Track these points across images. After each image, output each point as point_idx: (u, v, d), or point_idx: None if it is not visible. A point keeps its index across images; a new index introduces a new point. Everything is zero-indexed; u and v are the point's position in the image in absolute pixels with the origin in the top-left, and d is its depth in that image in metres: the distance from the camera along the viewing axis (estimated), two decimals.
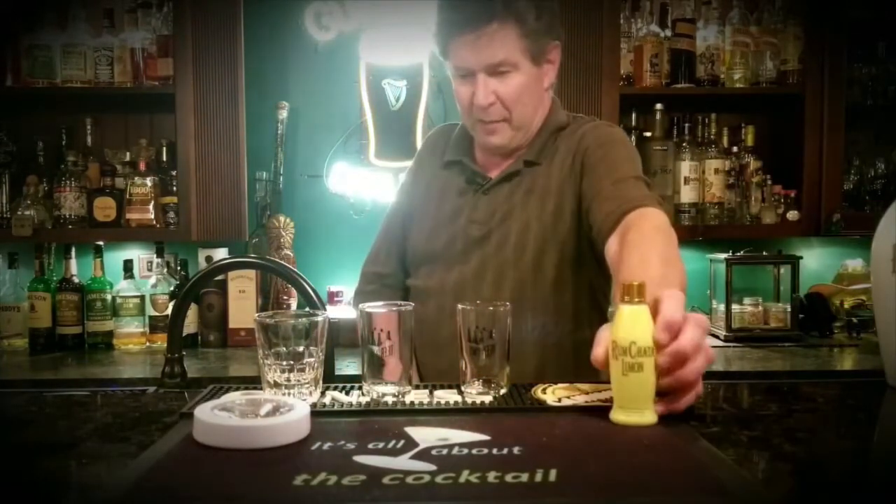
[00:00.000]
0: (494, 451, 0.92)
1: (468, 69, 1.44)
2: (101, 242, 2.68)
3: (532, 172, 1.53)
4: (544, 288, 1.50)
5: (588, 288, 1.53)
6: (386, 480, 0.82)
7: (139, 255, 2.81)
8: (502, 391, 1.17)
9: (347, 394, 1.20)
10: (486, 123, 1.48)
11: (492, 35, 1.40)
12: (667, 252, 1.17)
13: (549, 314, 1.51)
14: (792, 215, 2.66)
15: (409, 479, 0.82)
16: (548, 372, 1.47)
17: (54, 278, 2.65)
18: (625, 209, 1.30)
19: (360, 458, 0.89)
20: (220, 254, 2.72)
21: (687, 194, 2.66)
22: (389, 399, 1.14)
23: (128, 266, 2.67)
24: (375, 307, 1.15)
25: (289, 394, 1.10)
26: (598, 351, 1.02)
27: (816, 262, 2.95)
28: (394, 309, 1.15)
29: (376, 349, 1.14)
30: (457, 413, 1.11)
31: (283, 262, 1.93)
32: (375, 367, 1.15)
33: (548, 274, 1.49)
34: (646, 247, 1.18)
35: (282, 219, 2.81)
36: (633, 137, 2.75)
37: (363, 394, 1.18)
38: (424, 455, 0.90)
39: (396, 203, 1.72)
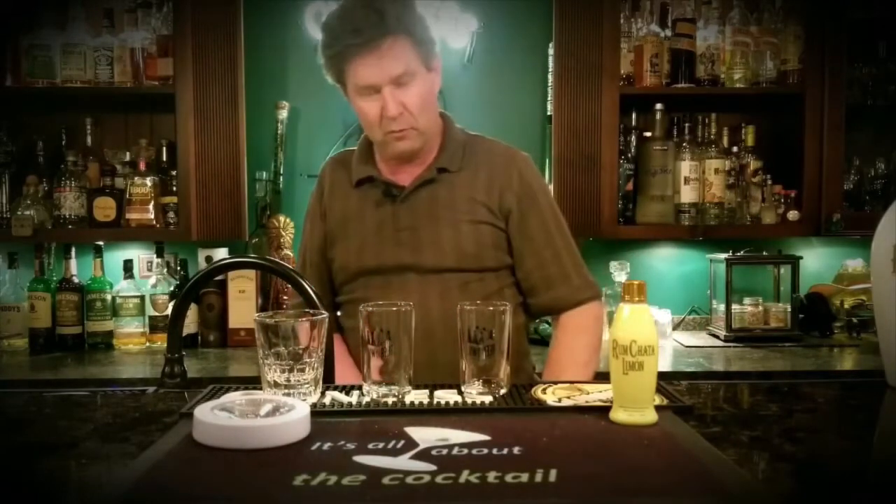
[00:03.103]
0: (494, 451, 0.92)
1: (373, 85, 1.50)
2: (101, 242, 2.68)
3: (449, 179, 1.61)
4: (486, 283, 1.59)
5: (513, 285, 1.66)
6: (386, 480, 0.82)
7: (139, 255, 2.81)
8: (502, 391, 1.17)
9: (347, 394, 1.20)
10: (396, 132, 1.54)
11: (390, 49, 1.48)
12: (583, 357, 1.63)
13: (494, 300, 1.59)
14: (792, 215, 2.66)
15: (409, 479, 0.82)
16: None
17: (54, 278, 2.65)
18: (562, 306, 1.64)
19: (360, 458, 0.89)
20: (220, 254, 2.72)
21: (687, 194, 2.65)
22: (389, 399, 1.14)
23: (128, 266, 2.67)
24: (375, 307, 1.16)
25: (289, 394, 1.10)
26: None
27: (816, 262, 2.95)
28: (393, 309, 1.15)
29: (375, 349, 1.14)
30: (457, 413, 1.11)
31: (283, 262, 1.93)
32: (375, 367, 1.15)
33: (486, 266, 1.60)
34: (569, 358, 1.63)
35: (282, 219, 2.81)
36: (634, 137, 2.75)
37: (363, 394, 1.18)
38: (424, 455, 0.90)
39: (311, 232, 1.74)
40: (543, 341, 2.44)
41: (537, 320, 2.44)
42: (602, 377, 1.52)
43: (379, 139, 1.58)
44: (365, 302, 1.17)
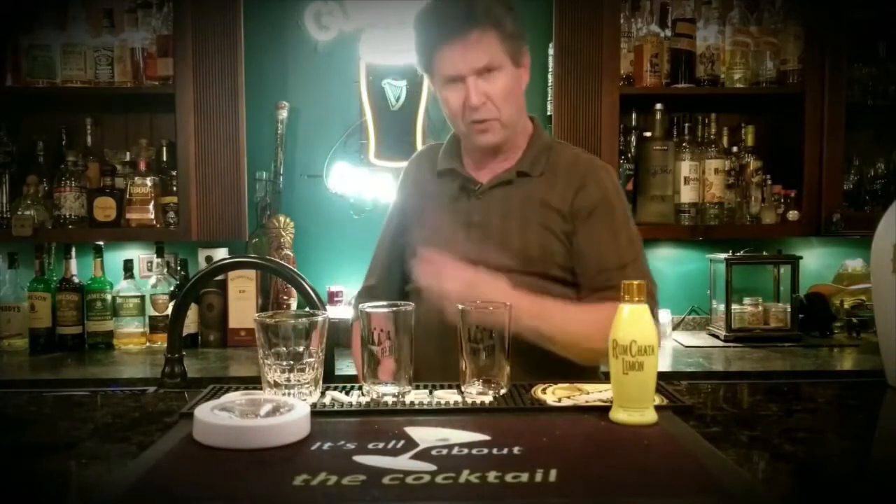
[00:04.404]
0: (494, 451, 0.92)
1: (458, 75, 1.52)
2: (101, 242, 2.68)
3: (527, 182, 1.61)
4: (549, 291, 1.55)
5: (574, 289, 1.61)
6: (386, 480, 0.82)
7: (139, 255, 2.81)
8: (502, 391, 1.17)
9: (347, 394, 1.20)
10: (479, 123, 1.55)
11: (477, 40, 1.50)
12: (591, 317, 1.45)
13: None
14: (792, 215, 2.66)
15: (409, 479, 0.82)
16: (548, 364, 1.48)
17: (54, 278, 2.65)
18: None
19: (360, 458, 0.89)
20: (220, 254, 2.71)
21: (687, 194, 2.65)
22: (389, 399, 1.14)
23: (128, 266, 2.67)
24: (375, 307, 1.16)
25: (289, 394, 1.10)
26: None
27: (816, 262, 2.95)
28: (393, 309, 1.15)
29: (376, 349, 1.14)
30: (457, 413, 1.11)
31: (283, 262, 1.93)
32: (375, 367, 1.15)
33: (550, 273, 1.56)
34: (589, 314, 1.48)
35: (282, 219, 2.81)
36: (634, 137, 2.75)
37: (363, 394, 1.18)
38: (424, 455, 0.90)
39: (388, 220, 1.79)
40: None
41: None
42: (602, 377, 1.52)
43: (462, 130, 1.60)
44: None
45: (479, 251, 1.56)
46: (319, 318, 1.12)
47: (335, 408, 1.13)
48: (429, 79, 1.63)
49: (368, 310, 1.15)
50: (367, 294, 1.72)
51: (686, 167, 2.65)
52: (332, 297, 2.80)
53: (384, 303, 1.18)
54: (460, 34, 1.49)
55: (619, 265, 1.53)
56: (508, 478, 0.82)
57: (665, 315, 2.74)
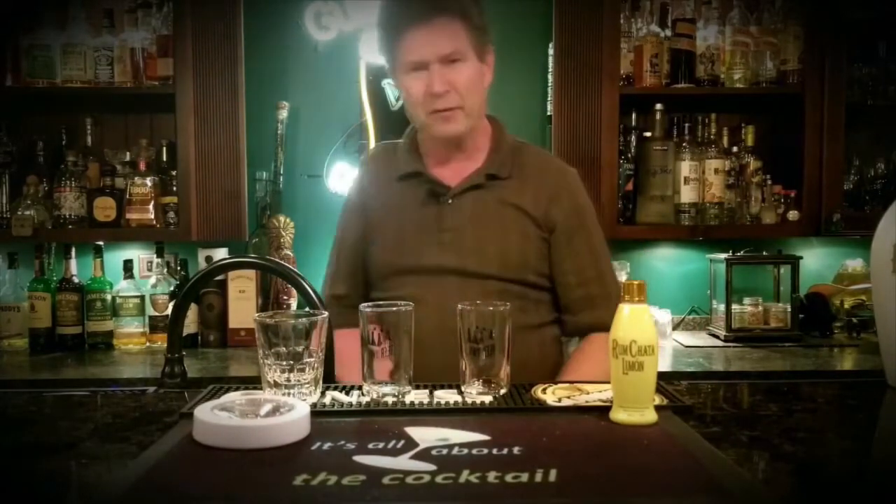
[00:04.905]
0: (494, 451, 0.92)
1: (422, 61, 1.49)
2: (101, 242, 2.68)
3: (497, 186, 1.59)
4: (525, 295, 1.57)
5: (550, 302, 1.64)
6: (386, 480, 0.82)
7: (139, 255, 2.81)
8: (502, 391, 1.17)
9: (347, 394, 1.20)
10: (442, 112, 1.51)
11: (443, 26, 1.48)
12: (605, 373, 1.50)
13: (530, 313, 1.58)
14: (792, 215, 2.66)
15: (409, 479, 0.82)
16: (529, 365, 1.50)
17: (54, 278, 2.65)
18: (603, 326, 1.48)
19: (360, 458, 0.89)
20: (220, 254, 2.71)
21: (687, 194, 2.65)
22: (389, 399, 1.14)
23: (128, 266, 2.67)
24: (374, 307, 1.16)
25: (289, 394, 1.10)
26: None
27: (816, 262, 2.95)
28: (393, 309, 1.15)
29: (376, 349, 1.14)
30: (457, 413, 1.11)
31: (283, 262, 1.93)
32: (375, 367, 1.15)
33: (528, 279, 1.58)
34: (592, 368, 1.51)
35: (282, 219, 2.81)
36: (634, 137, 2.75)
37: (363, 394, 1.18)
38: (424, 455, 0.90)
39: (347, 225, 1.72)
40: None
41: None
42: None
43: (423, 120, 1.55)
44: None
45: (455, 259, 1.55)
46: (319, 318, 1.12)
47: (335, 408, 1.13)
48: (390, 70, 1.59)
49: (369, 310, 1.15)
50: (338, 304, 1.64)
51: (686, 167, 2.65)
52: None
53: (384, 302, 1.18)
54: (426, 19, 1.47)
55: (598, 275, 1.61)
56: (508, 478, 0.82)
57: (665, 315, 2.74)
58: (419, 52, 1.48)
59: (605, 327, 1.58)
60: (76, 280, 2.65)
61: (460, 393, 1.17)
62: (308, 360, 1.11)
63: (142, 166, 2.66)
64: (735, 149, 2.76)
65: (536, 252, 1.58)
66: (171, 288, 2.67)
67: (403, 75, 1.53)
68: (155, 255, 2.68)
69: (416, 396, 1.17)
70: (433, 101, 1.50)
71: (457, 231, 1.56)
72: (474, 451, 0.92)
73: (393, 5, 1.53)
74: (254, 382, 1.20)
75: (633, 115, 2.78)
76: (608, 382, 1.09)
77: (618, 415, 1.04)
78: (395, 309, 1.15)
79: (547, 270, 1.60)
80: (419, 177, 1.61)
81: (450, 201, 1.58)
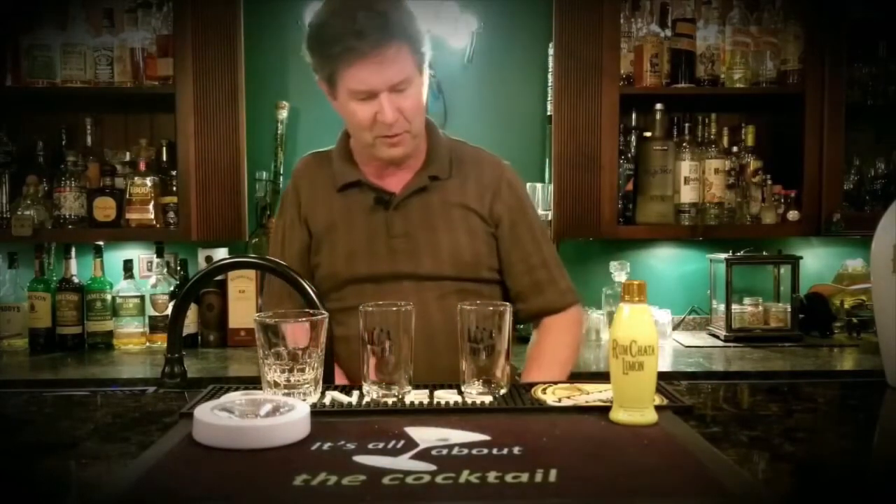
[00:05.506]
0: (494, 451, 0.92)
1: (371, 91, 1.46)
2: (101, 242, 2.68)
3: (440, 186, 1.60)
4: (481, 292, 1.59)
5: (501, 295, 1.67)
6: (386, 480, 0.82)
7: (139, 255, 2.81)
8: (502, 391, 1.17)
9: (347, 394, 1.20)
10: (390, 137, 1.51)
11: (393, 57, 1.44)
12: (563, 355, 1.66)
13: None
14: (792, 215, 2.66)
15: (409, 479, 0.82)
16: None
17: (54, 278, 2.65)
18: (551, 310, 1.66)
19: (360, 458, 0.89)
20: (220, 254, 2.71)
21: (687, 194, 2.65)
22: (389, 399, 1.14)
23: (128, 266, 2.67)
24: (375, 307, 1.16)
25: (289, 394, 1.10)
26: None
27: (816, 262, 2.95)
28: (393, 309, 1.15)
29: (376, 349, 1.14)
30: (457, 413, 1.11)
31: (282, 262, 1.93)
32: (375, 367, 1.15)
33: (482, 276, 1.60)
34: (551, 356, 1.64)
35: None
36: (634, 137, 2.75)
37: (363, 394, 1.18)
38: (424, 455, 0.90)
39: (284, 242, 1.67)
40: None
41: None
42: (602, 377, 1.52)
43: (368, 142, 1.53)
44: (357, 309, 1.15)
45: (409, 263, 1.56)
46: (319, 318, 1.12)
47: (335, 408, 1.13)
48: (329, 92, 1.53)
49: (368, 310, 1.15)
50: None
51: (686, 167, 2.65)
52: None
53: (384, 302, 1.18)
54: (377, 48, 1.41)
55: (542, 261, 1.64)
56: (508, 478, 0.82)
57: (665, 315, 2.74)
58: (368, 83, 1.45)
59: (555, 310, 1.66)
60: (76, 280, 2.65)
61: (460, 393, 1.17)
62: (308, 360, 1.11)
63: (142, 166, 2.66)
64: (735, 149, 2.76)
65: (486, 248, 1.61)
66: (171, 288, 2.67)
67: (347, 99, 1.49)
68: (155, 255, 2.68)
69: (416, 396, 1.17)
70: (382, 127, 1.49)
71: (407, 236, 1.57)
72: (474, 452, 0.92)
73: (336, 29, 1.43)
74: (254, 382, 1.20)
75: (633, 115, 2.78)
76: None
77: (618, 415, 1.04)
78: (394, 309, 1.15)
79: (497, 264, 1.63)
80: (360, 186, 1.60)
81: (397, 207, 1.58)
